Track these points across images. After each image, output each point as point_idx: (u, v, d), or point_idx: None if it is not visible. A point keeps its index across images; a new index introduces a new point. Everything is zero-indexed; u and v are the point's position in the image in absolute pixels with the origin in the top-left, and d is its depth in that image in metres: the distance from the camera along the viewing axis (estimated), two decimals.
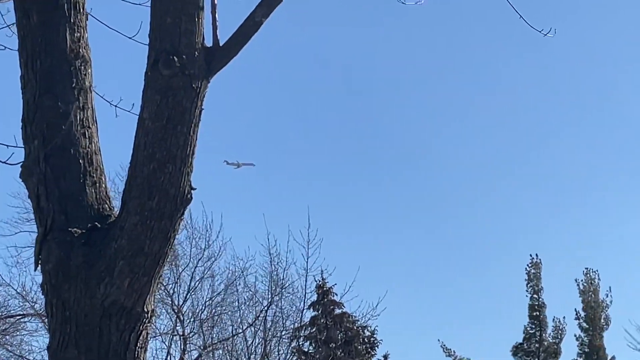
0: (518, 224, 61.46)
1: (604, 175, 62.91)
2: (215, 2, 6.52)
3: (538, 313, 39.57)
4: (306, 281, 34.07)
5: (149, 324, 6.32)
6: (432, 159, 59.76)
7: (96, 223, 6.30)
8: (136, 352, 6.23)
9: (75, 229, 6.23)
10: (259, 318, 33.82)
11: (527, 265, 39.95)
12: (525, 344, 39.42)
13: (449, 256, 59.64)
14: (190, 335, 32.52)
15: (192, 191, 6.30)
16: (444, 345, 39.92)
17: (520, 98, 61.53)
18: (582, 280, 39.73)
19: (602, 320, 39.39)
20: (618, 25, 60.44)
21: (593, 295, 39.49)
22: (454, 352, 39.96)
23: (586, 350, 39.21)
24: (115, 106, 7.79)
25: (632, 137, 63.55)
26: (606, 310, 39.49)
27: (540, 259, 39.91)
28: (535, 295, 39.76)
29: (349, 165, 57.49)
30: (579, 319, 39.48)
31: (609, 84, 60.29)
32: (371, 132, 60.29)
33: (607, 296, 39.52)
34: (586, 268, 39.92)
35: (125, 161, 6.29)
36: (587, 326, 39.34)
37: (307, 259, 33.70)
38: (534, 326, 39.47)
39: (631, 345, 46.68)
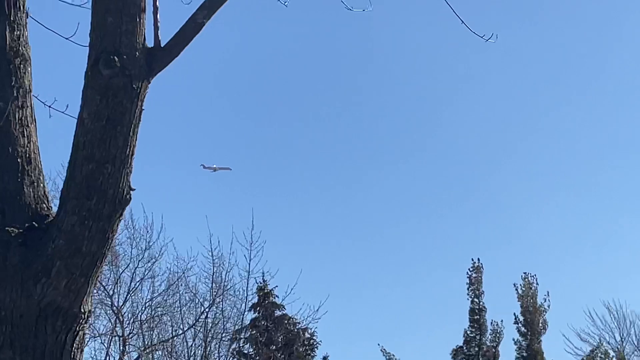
0: (459, 228, 61.95)
1: (541, 181, 63.71)
2: (157, 3, 6.51)
3: (478, 317, 39.73)
4: (248, 283, 34.09)
5: (85, 325, 6.29)
6: (375, 167, 60.12)
7: (34, 223, 6.25)
8: (72, 353, 6.20)
9: (12, 229, 6.18)
10: (200, 319, 33.75)
11: (469, 269, 40.13)
12: (465, 348, 39.56)
13: (390, 261, 59.93)
14: (130, 336, 32.34)
15: (131, 192, 6.27)
16: (384, 349, 40.04)
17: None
18: (520, 285, 40.00)
19: (540, 325, 39.64)
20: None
21: (531, 300, 39.76)
22: (394, 355, 40.11)
23: (524, 354, 39.41)
24: (49, 107, 7.70)
25: (567, 148, 64.45)
26: (544, 315, 39.78)
27: (481, 263, 40.16)
28: (476, 299, 39.92)
29: (295, 169, 57.60)
30: (517, 323, 39.71)
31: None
32: (319, 139, 60.48)
33: (545, 300, 39.80)
34: (524, 272, 40.20)
35: (66, 160, 6.26)
36: (525, 330, 39.57)
37: (250, 261, 33.72)
38: (473, 330, 39.62)
39: (569, 350, 47.28)
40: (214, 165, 46.91)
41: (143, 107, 6.30)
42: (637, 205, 64.77)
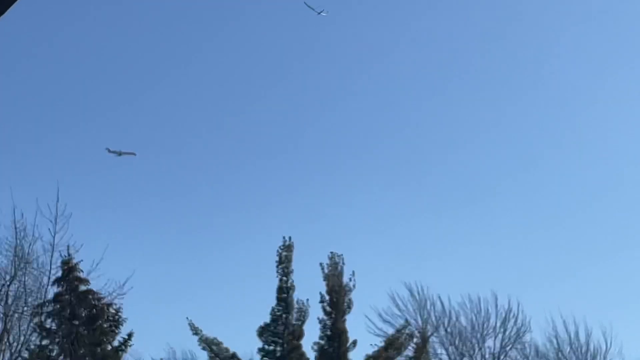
0: (272, 204, 62.36)
1: (342, 160, 65.18)
2: None
3: (286, 295, 40.01)
4: (52, 257, 33.41)
5: None
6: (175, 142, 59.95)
7: None
8: None
9: None
10: (1, 293, 32.91)
11: (280, 247, 40.32)
12: (271, 326, 39.79)
13: (193, 235, 59.83)
14: None
15: None
16: (192, 324, 39.91)
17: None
18: (327, 264, 40.45)
19: (345, 304, 40.20)
20: None
21: (337, 279, 40.26)
22: (201, 330, 40.02)
23: (328, 333, 39.91)
24: None
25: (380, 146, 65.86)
26: (349, 295, 40.36)
27: (292, 242, 40.41)
28: (284, 278, 40.17)
29: (100, 143, 56.64)
30: (323, 302, 40.17)
31: None
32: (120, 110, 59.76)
33: (351, 280, 40.39)
34: (332, 252, 40.67)
35: None
36: (330, 309, 40.06)
37: (55, 234, 33.04)
38: (281, 308, 39.89)
39: (371, 330, 48.27)
40: (120, 150, 47.89)
41: None
42: (439, 199, 67.28)
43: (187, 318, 39.96)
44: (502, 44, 73.74)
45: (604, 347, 48.91)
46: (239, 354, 40.28)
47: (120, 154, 49.21)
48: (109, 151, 49.00)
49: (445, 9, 72.76)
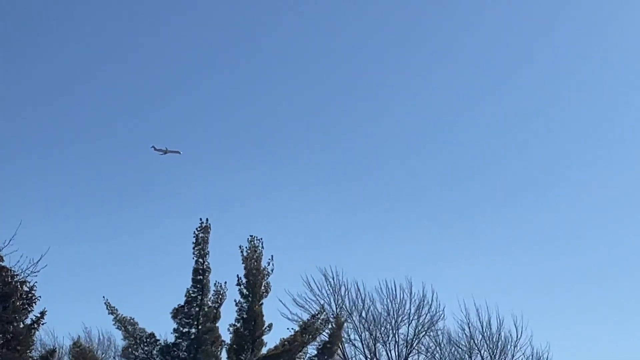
0: (187, 185, 62.06)
1: (264, 148, 65.17)
2: None
3: (202, 277, 39.88)
4: None
5: None
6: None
7: None
8: None
9: None
10: None
11: (197, 228, 40.18)
12: (186, 307, 39.64)
13: (117, 214, 59.25)
14: None
15: None
16: (109, 303, 39.60)
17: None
18: (246, 247, 40.44)
19: (263, 288, 40.27)
20: None
21: (255, 263, 40.29)
22: (117, 310, 39.72)
23: (245, 316, 39.95)
24: None
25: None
26: (267, 278, 40.43)
27: (210, 223, 40.28)
28: (200, 259, 40.02)
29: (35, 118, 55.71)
30: (240, 285, 40.18)
31: None
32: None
33: (269, 264, 40.44)
34: (251, 235, 40.69)
35: None
36: (247, 292, 40.09)
37: None
38: (196, 290, 39.76)
39: (285, 315, 48.50)
40: (165, 147, 48.40)
41: None
42: (355, 188, 68.05)
43: (103, 297, 39.70)
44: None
45: (514, 336, 49.74)
46: (158, 335, 40.14)
47: (165, 152, 50.38)
48: (155, 149, 50.13)
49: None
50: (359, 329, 49.45)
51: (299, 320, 44.80)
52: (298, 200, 64.36)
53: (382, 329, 49.48)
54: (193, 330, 39.59)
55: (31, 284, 34.28)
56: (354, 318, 49.59)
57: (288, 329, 40.55)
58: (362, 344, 49.49)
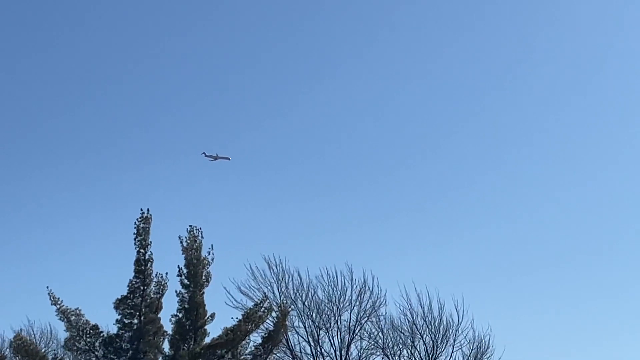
0: (134, 177, 61.89)
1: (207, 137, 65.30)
2: None
3: (144, 267, 40.03)
4: None
5: None
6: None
7: None
8: None
9: None
10: None
11: (137, 219, 40.31)
12: (128, 298, 39.75)
13: (53, 200, 59.00)
14: None
15: None
16: (52, 294, 39.62)
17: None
18: (186, 238, 40.62)
19: (204, 277, 40.47)
20: None
21: (196, 253, 40.47)
22: (61, 301, 39.72)
23: (186, 306, 40.11)
24: None
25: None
26: (207, 268, 40.62)
27: (150, 214, 40.43)
28: (142, 250, 40.19)
29: None
30: (181, 275, 40.34)
31: None
32: None
33: (209, 254, 40.63)
34: (190, 225, 40.90)
35: None
36: (188, 282, 40.27)
37: None
38: (138, 280, 39.90)
39: (230, 303, 48.65)
40: (216, 154, 49.34)
41: None
42: (299, 179, 68.46)
43: (47, 287, 39.69)
44: None
45: (456, 320, 50.27)
46: (102, 326, 40.21)
47: (216, 158, 51.85)
48: (205, 155, 51.51)
49: None
50: (302, 317, 49.76)
51: (245, 308, 44.99)
52: (242, 191, 64.59)
53: (325, 316, 49.82)
54: (135, 321, 39.74)
55: None
56: (298, 306, 49.87)
57: (232, 318, 40.75)
58: (306, 332, 49.81)
